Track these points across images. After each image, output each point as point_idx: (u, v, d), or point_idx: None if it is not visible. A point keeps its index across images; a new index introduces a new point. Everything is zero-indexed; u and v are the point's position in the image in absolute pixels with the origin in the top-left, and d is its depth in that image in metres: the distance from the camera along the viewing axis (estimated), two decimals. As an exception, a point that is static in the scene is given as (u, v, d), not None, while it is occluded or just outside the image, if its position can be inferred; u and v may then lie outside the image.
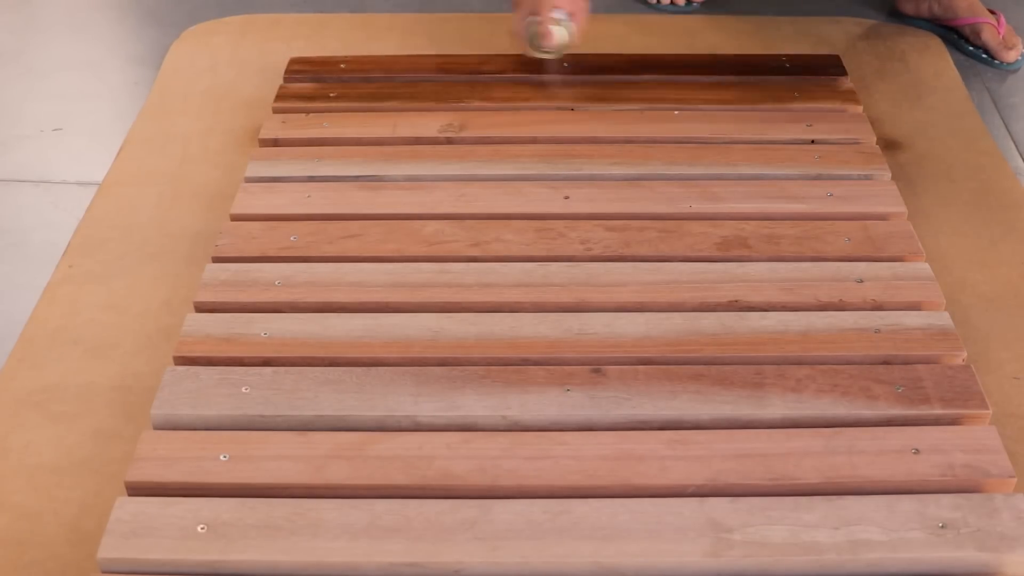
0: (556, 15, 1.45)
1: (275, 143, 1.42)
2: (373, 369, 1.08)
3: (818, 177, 1.35)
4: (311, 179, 1.35)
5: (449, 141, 1.43)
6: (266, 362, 1.10)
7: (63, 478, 1.08)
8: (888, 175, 1.36)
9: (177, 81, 1.68)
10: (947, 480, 0.98)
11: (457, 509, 0.95)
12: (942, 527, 0.93)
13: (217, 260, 1.23)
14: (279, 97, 1.51)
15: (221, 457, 1.00)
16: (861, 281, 1.19)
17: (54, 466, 1.09)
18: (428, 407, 1.05)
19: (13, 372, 1.19)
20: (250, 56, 1.72)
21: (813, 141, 1.41)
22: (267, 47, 1.73)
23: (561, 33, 1.46)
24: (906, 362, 1.10)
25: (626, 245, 1.24)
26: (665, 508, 0.95)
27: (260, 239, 1.25)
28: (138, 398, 1.14)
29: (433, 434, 1.02)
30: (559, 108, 1.48)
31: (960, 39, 1.81)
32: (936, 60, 1.71)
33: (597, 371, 1.08)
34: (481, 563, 0.92)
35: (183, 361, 1.10)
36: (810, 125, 1.43)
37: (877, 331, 1.12)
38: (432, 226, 1.27)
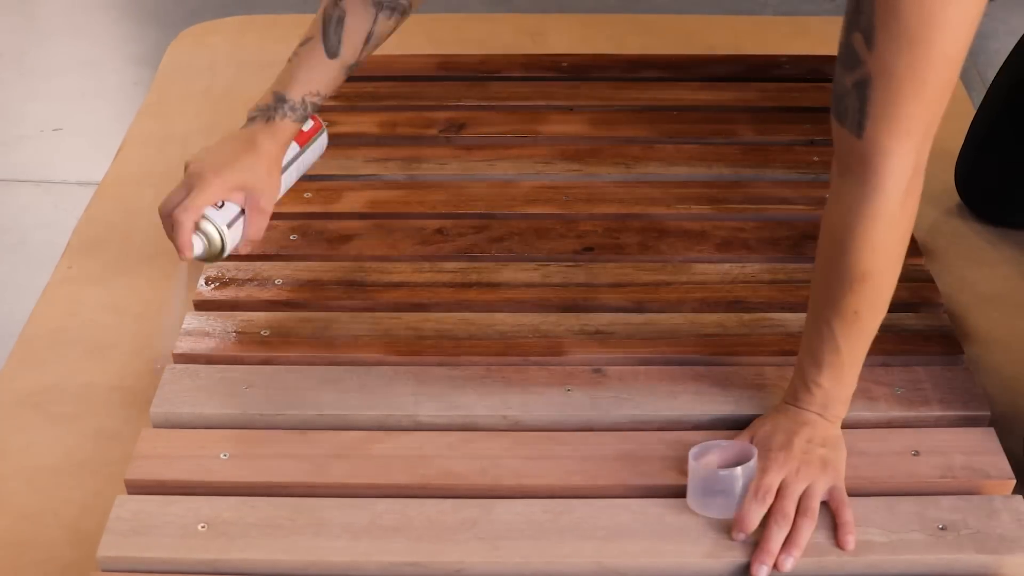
0: (208, 220, 1.07)
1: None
2: (374, 368, 1.08)
3: (817, 178, 1.35)
4: (310, 178, 1.35)
5: (449, 141, 1.43)
6: (266, 361, 1.10)
7: (63, 479, 1.07)
8: (887, 176, 1.36)
9: (176, 81, 1.68)
10: (947, 482, 0.98)
11: (458, 509, 0.95)
12: (942, 529, 0.93)
13: (217, 260, 1.23)
14: (279, 97, 1.51)
15: (221, 455, 1.00)
16: (861, 282, 1.19)
17: (54, 467, 1.09)
18: (429, 407, 1.05)
19: (13, 372, 1.19)
20: (249, 56, 1.72)
21: (812, 142, 1.41)
22: (266, 47, 1.73)
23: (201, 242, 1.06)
24: (905, 363, 1.09)
25: (626, 245, 1.24)
26: (666, 508, 0.95)
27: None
28: (138, 398, 1.13)
29: (434, 434, 1.02)
30: (559, 108, 1.48)
31: None
32: (935, 61, 1.71)
33: (598, 371, 1.08)
34: (482, 563, 0.92)
35: (183, 359, 1.10)
36: (809, 126, 1.43)
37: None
38: (432, 226, 1.27)
